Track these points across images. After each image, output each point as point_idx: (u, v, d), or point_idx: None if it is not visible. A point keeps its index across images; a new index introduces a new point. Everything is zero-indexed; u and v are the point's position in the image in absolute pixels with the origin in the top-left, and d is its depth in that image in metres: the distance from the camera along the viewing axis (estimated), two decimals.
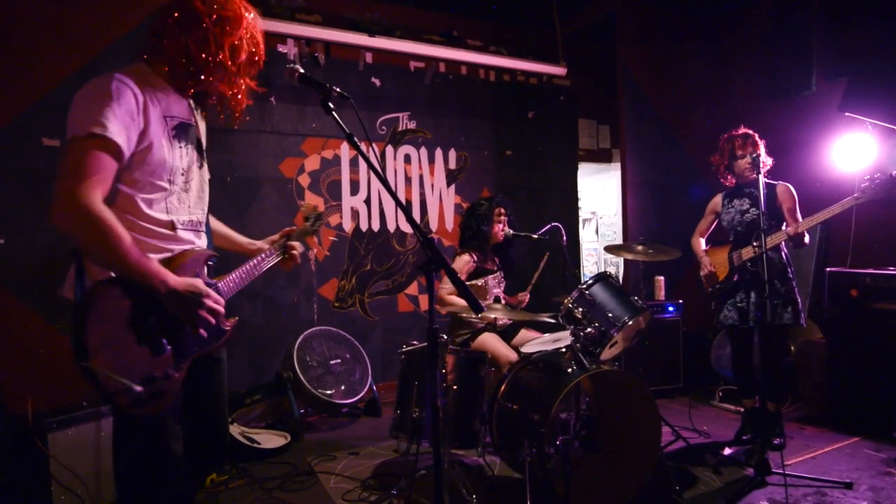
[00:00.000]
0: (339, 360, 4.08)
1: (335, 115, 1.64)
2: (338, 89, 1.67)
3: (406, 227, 4.83)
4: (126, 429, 1.50)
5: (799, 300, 3.22)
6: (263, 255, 1.85)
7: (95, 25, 3.25)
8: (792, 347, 4.04)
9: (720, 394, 4.26)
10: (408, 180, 4.85)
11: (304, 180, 4.44)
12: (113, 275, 1.40)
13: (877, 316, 3.48)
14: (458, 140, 5.06)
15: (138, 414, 1.39)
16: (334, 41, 4.34)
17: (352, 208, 4.63)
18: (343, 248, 4.59)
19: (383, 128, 4.74)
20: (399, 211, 4.73)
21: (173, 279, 1.43)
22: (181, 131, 1.55)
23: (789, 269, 3.24)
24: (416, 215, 4.86)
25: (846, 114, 3.93)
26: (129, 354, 1.38)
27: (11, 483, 2.47)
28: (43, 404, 2.59)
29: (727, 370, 4.20)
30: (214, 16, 1.50)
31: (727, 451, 3.25)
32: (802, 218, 3.13)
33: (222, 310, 1.55)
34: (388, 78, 4.73)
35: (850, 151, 4.10)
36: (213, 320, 1.51)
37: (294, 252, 1.92)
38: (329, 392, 3.91)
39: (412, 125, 4.86)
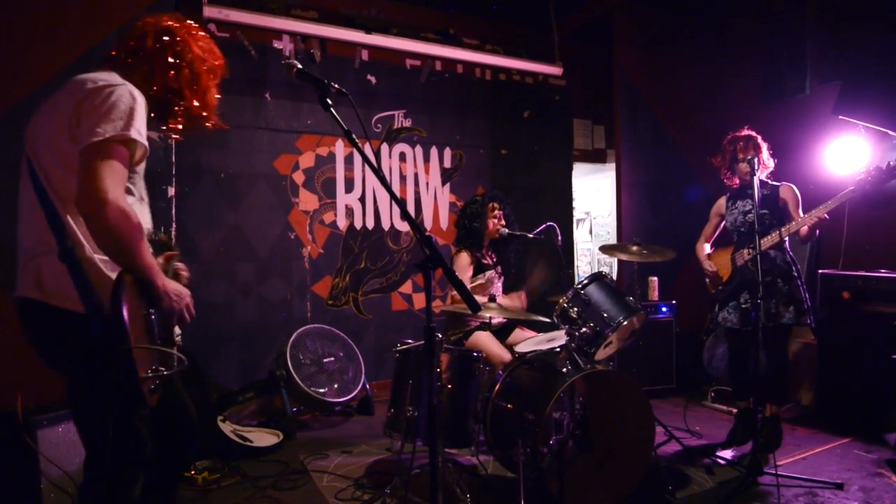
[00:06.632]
0: (332, 359, 4.07)
1: (333, 111, 1.63)
2: (336, 85, 1.66)
3: (400, 225, 4.82)
4: (126, 421, 1.52)
5: (806, 299, 3.16)
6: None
7: (89, 18, 3.24)
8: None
9: (712, 394, 4.28)
10: (403, 178, 4.83)
11: (299, 177, 4.42)
12: (112, 276, 1.43)
13: (868, 318, 3.50)
14: (453, 138, 5.05)
15: (150, 404, 1.43)
16: (330, 38, 4.32)
17: (346, 206, 4.61)
18: (337, 245, 4.57)
19: (378, 125, 4.73)
20: (393, 209, 4.72)
21: (165, 278, 1.54)
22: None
23: (794, 268, 3.20)
24: (411, 214, 4.83)
25: (840, 117, 3.95)
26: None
27: (0, 480, 2.44)
28: (32, 400, 2.55)
29: (719, 370, 4.22)
30: (206, 65, 1.68)
31: (719, 452, 3.26)
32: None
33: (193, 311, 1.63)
34: (383, 75, 4.72)
35: (844, 154, 4.10)
36: (189, 319, 1.60)
37: (183, 273, 1.85)
38: (322, 390, 3.90)
39: (407, 123, 4.85)
